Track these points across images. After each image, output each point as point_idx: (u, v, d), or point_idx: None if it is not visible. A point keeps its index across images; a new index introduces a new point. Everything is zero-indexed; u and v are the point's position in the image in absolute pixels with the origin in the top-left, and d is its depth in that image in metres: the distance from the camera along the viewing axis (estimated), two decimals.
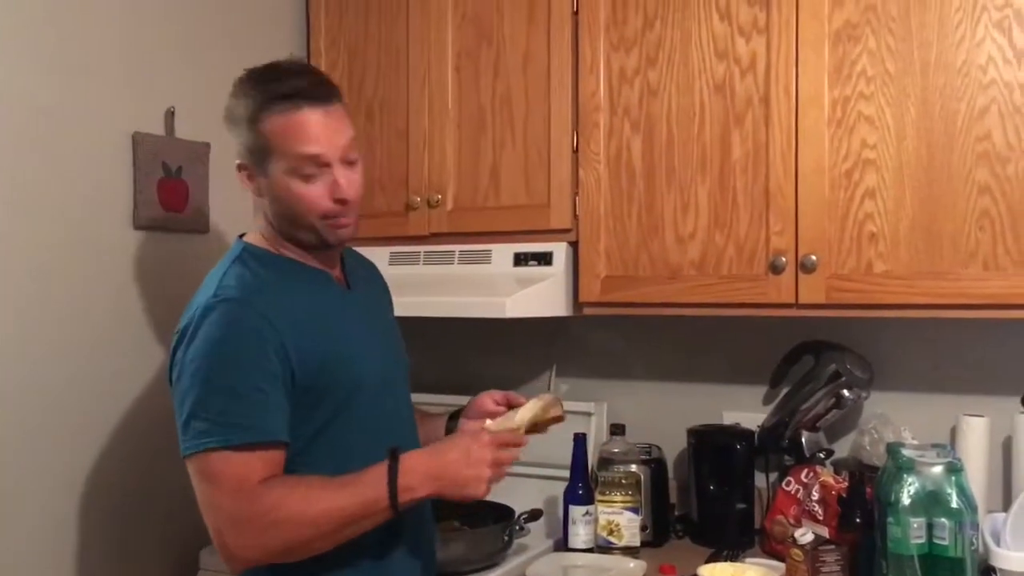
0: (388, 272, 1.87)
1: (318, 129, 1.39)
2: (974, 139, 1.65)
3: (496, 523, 1.85)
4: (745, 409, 2.15)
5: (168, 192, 1.96)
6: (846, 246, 1.76)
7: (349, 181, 1.41)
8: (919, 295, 1.69)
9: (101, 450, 1.86)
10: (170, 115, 1.97)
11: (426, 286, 2.08)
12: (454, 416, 1.65)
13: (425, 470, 1.34)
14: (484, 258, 2.12)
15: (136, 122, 1.91)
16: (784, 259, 1.79)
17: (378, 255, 2.08)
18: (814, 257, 1.76)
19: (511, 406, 1.60)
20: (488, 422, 1.53)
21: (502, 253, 2.10)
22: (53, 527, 1.78)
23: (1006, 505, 1.73)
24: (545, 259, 2.05)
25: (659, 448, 2.13)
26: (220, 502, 1.29)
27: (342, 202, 1.41)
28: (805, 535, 1.72)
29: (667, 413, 2.22)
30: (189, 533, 2.00)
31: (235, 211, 2.13)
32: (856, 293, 1.74)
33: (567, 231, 2.03)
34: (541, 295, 2.00)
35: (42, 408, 1.75)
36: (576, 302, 2.04)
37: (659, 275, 1.94)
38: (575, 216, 2.02)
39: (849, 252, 1.75)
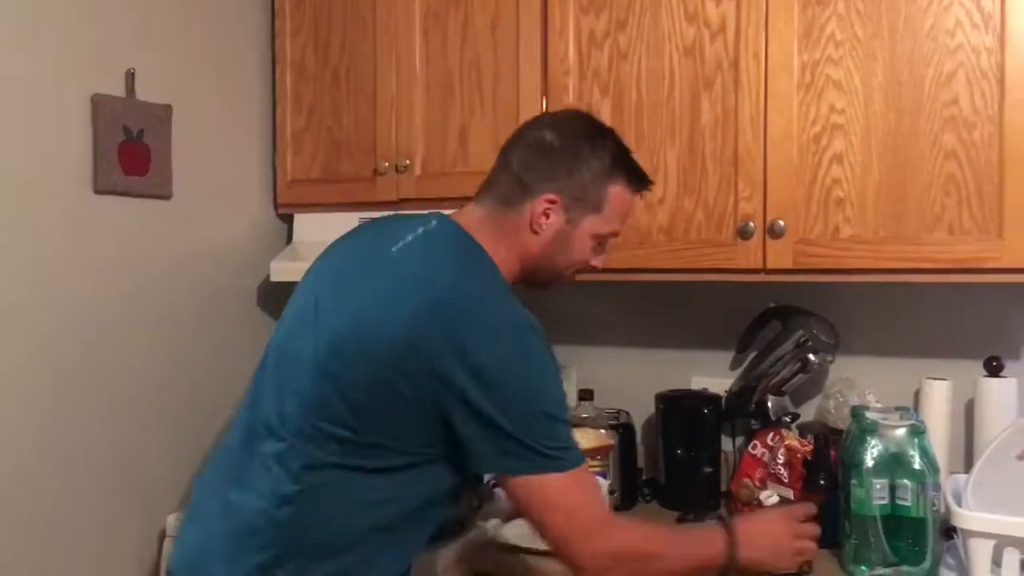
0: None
1: (632, 214, 1.55)
2: (941, 104, 1.66)
3: (467, 488, 1.85)
4: (713, 374, 2.17)
5: (129, 156, 1.92)
6: (813, 211, 1.76)
7: (604, 257, 1.54)
8: (885, 260, 1.71)
9: (63, 417, 1.83)
10: (130, 76, 1.93)
11: None
12: None
13: (755, 540, 1.41)
14: None
15: (95, 84, 1.87)
16: (752, 224, 1.80)
17: (346, 221, 2.06)
18: (782, 222, 1.77)
19: None
20: None
21: None
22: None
23: (968, 466, 1.76)
24: None
25: (628, 413, 2.14)
26: (587, 510, 1.30)
27: (592, 268, 1.53)
28: (770, 497, 1.73)
29: (636, 378, 2.22)
30: (156, 502, 1.99)
31: (198, 175, 2.10)
32: (823, 258, 1.75)
33: None
34: None
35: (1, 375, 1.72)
36: None
37: (628, 240, 1.93)
38: None
39: (816, 217, 1.76)
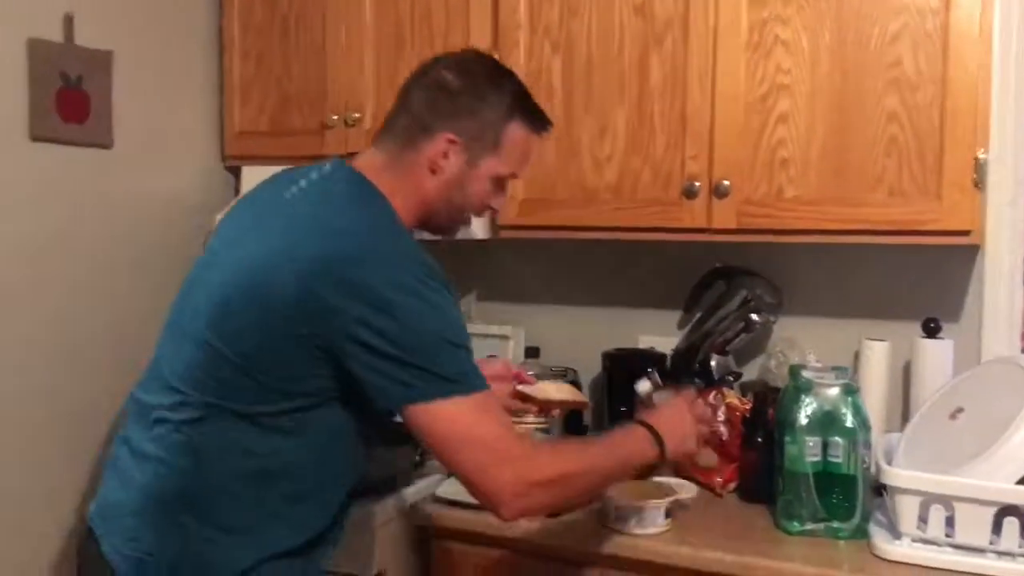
0: None
1: (533, 160, 1.52)
2: (885, 65, 1.66)
3: (408, 442, 1.85)
4: (660, 333, 2.18)
5: (68, 103, 1.87)
6: (758, 172, 1.77)
7: (505, 200, 1.53)
8: (826, 220, 1.72)
9: (13, 371, 1.80)
10: (68, 20, 1.87)
11: None
12: None
13: (672, 430, 1.44)
14: None
15: (31, 28, 1.81)
16: (698, 184, 1.80)
17: None
18: (727, 182, 1.77)
19: (520, 381, 1.69)
20: (520, 387, 1.66)
21: None
22: None
23: (904, 425, 1.79)
24: None
25: (575, 371, 2.16)
26: (497, 440, 1.25)
27: (491, 210, 1.51)
28: (641, 384, 1.80)
29: (584, 337, 2.23)
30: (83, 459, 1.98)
31: (141, 124, 2.06)
32: (766, 218, 1.76)
33: None
34: None
35: None
36: (494, 225, 2.02)
37: (576, 198, 1.93)
38: None
39: (761, 177, 1.77)
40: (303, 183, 1.38)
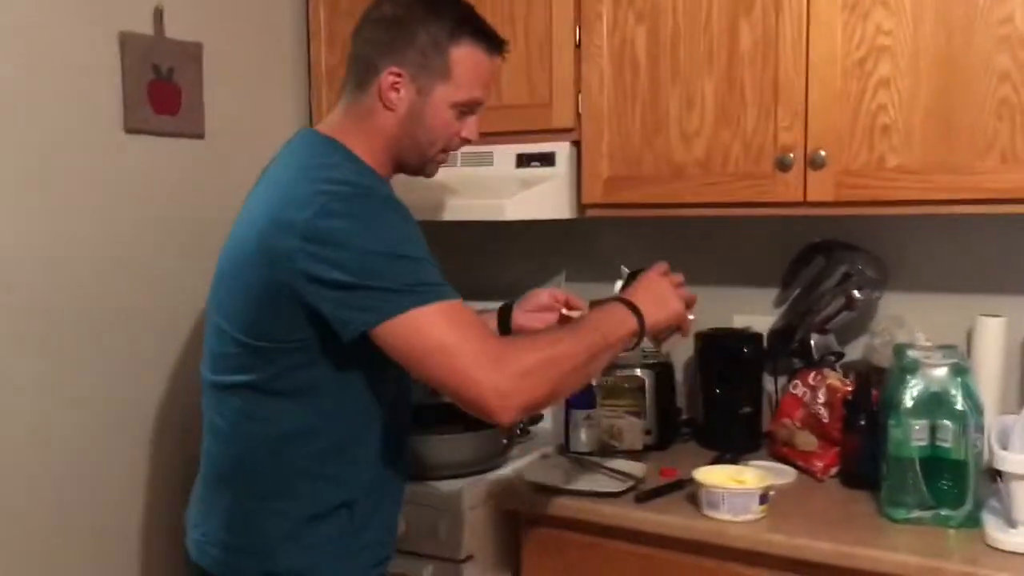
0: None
1: (492, 81, 1.49)
2: (995, 21, 1.54)
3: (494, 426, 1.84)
4: (756, 312, 2.10)
5: (160, 95, 1.91)
6: (857, 140, 1.67)
7: (477, 128, 1.49)
8: (933, 190, 1.61)
9: (94, 363, 1.85)
10: (159, 13, 1.91)
11: (428, 189, 2.03)
12: (505, 309, 1.67)
13: (648, 299, 1.43)
14: (486, 160, 2.06)
15: (123, 21, 1.85)
16: (792, 156, 1.71)
17: None
18: (823, 153, 1.68)
19: (569, 306, 1.66)
20: (566, 312, 1.64)
21: (504, 155, 2.04)
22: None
23: (1022, 407, 1.68)
24: (548, 160, 1.99)
25: (666, 353, 2.09)
26: (468, 343, 1.23)
27: (466, 142, 1.49)
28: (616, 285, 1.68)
29: None
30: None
31: (232, 115, 2.09)
32: (866, 189, 1.66)
33: (570, 130, 1.96)
34: (543, 197, 1.95)
35: (29, 317, 1.74)
36: (580, 204, 1.98)
37: (663, 174, 1.87)
38: (578, 115, 1.95)
39: (861, 146, 1.67)
40: (276, 158, 1.44)
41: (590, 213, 1.97)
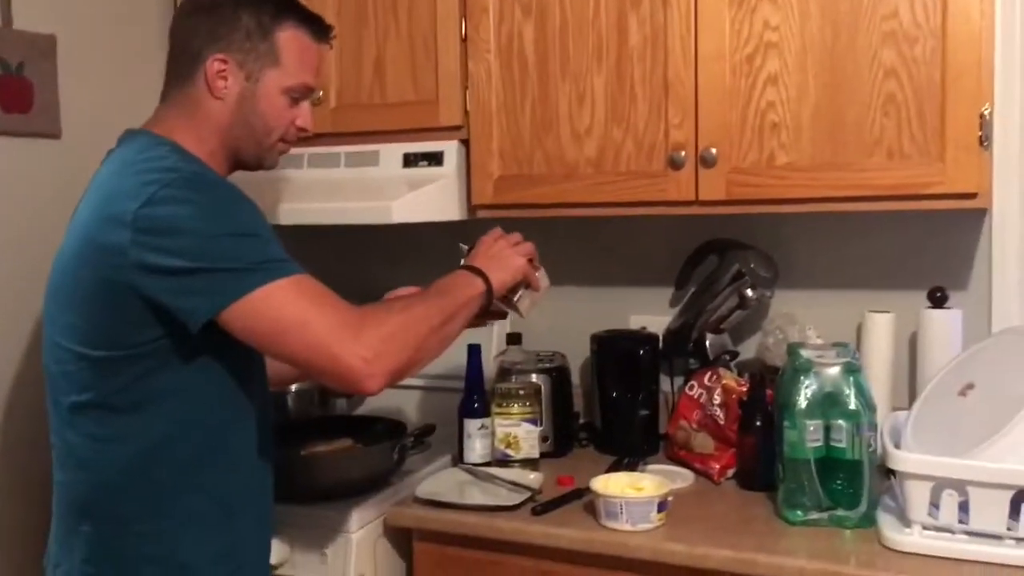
0: (272, 176, 1.71)
1: (320, 66, 1.46)
2: (880, 17, 1.54)
3: (384, 441, 1.75)
4: (652, 312, 2.07)
5: (8, 92, 1.76)
6: (747, 138, 1.65)
7: (311, 115, 1.46)
8: (822, 188, 1.60)
9: None
10: (6, 4, 1.75)
11: (310, 192, 1.93)
12: None
13: (489, 261, 1.46)
14: (372, 160, 1.96)
15: None
16: (683, 154, 1.68)
17: None
18: (714, 151, 1.65)
19: None
20: None
21: (391, 154, 1.95)
22: None
23: (912, 401, 1.68)
24: (436, 159, 1.91)
25: (563, 355, 2.04)
26: (325, 315, 1.19)
27: (302, 131, 1.45)
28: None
29: (573, 318, 2.12)
30: None
31: (91, 112, 1.94)
32: (757, 188, 1.64)
33: (458, 128, 1.89)
34: (432, 198, 1.87)
35: None
36: (470, 204, 1.91)
37: (555, 174, 1.81)
38: (466, 112, 1.87)
39: (751, 144, 1.65)
40: (103, 165, 1.35)
41: (480, 214, 1.90)
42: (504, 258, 1.47)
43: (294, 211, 1.85)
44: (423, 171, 1.91)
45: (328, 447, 1.78)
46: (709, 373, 1.84)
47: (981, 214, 1.77)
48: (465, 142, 1.89)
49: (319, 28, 1.43)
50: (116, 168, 1.29)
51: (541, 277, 1.57)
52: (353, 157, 1.97)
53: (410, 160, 1.93)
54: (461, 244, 1.60)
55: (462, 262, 1.53)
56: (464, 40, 1.85)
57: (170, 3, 2.13)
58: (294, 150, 1.98)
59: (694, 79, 1.67)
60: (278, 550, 1.56)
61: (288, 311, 1.18)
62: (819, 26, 1.58)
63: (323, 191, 1.92)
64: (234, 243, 1.19)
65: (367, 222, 1.86)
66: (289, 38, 1.38)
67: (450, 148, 1.89)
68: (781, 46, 1.61)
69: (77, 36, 1.90)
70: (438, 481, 1.72)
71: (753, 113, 1.64)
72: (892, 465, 1.40)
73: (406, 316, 1.28)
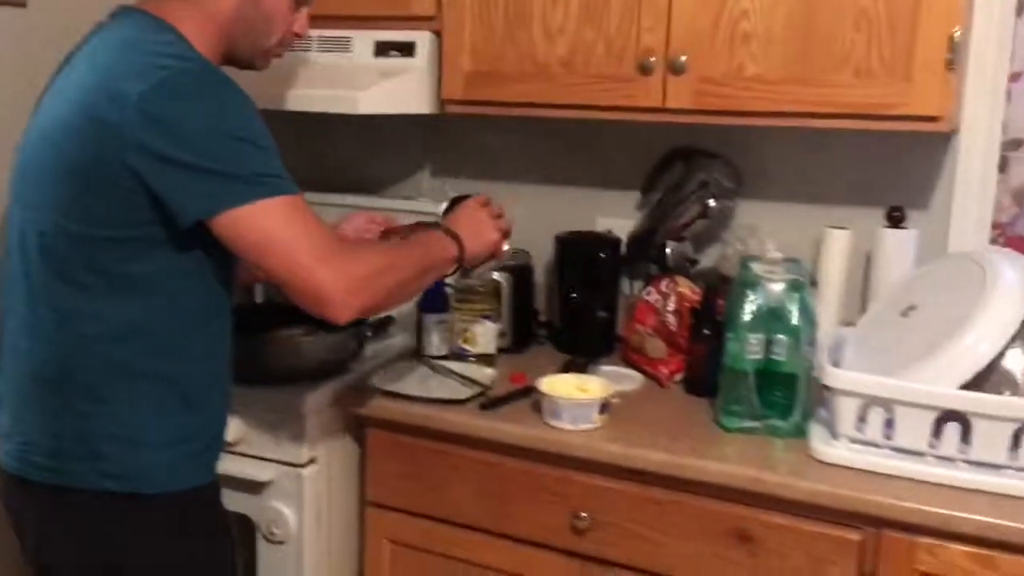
0: None
1: None
2: None
3: (344, 330, 1.79)
4: (619, 216, 2.08)
5: None
6: (719, 47, 1.63)
7: (307, 23, 1.47)
8: (788, 102, 1.59)
9: None
10: None
11: (281, 78, 1.90)
12: None
13: (466, 226, 1.48)
14: (344, 46, 1.94)
15: None
16: (653, 59, 1.66)
17: None
18: (684, 58, 1.63)
19: (389, 230, 1.76)
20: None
21: (363, 42, 1.92)
22: None
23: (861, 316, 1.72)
24: (407, 50, 1.88)
25: (527, 253, 2.06)
26: (312, 239, 1.23)
27: (297, 37, 1.46)
28: None
29: (541, 217, 2.13)
30: None
31: None
32: (724, 99, 1.63)
33: (431, 19, 1.86)
34: (401, 90, 1.86)
35: None
36: (440, 99, 1.89)
37: (526, 72, 1.79)
38: (439, 2, 1.84)
39: (721, 53, 1.63)
40: (91, 38, 1.33)
41: (450, 109, 1.89)
42: (483, 232, 1.50)
43: (261, 95, 1.81)
44: (394, 61, 1.89)
45: (289, 332, 1.82)
46: (666, 280, 1.87)
47: (947, 136, 1.76)
48: (438, 33, 1.86)
49: None
50: (115, 46, 1.26)
51: (506, 251, 1.59)
52: (326, 42, 1.95)
53: (382, 49, 1.91)
54: (449, 191, 1.62)
55: (443, 206, 1.59)
56: None
57: None
58: None
59: None
60: (235, 428, 1.62)
61: (278, 230, 1.21)
62: None
63: (293, 76, 1.90)
64: (239, 148, 1.20)
65: (334, 111, 1.85)
66: None
67: (422, 39, 1.87)
68: None
69: None
70: (395, 372, 1.77)
71: (726, 21, 1.61)
72: (824, 381, 1.45)
73: (386, 261, 1.33)
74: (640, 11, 1.67)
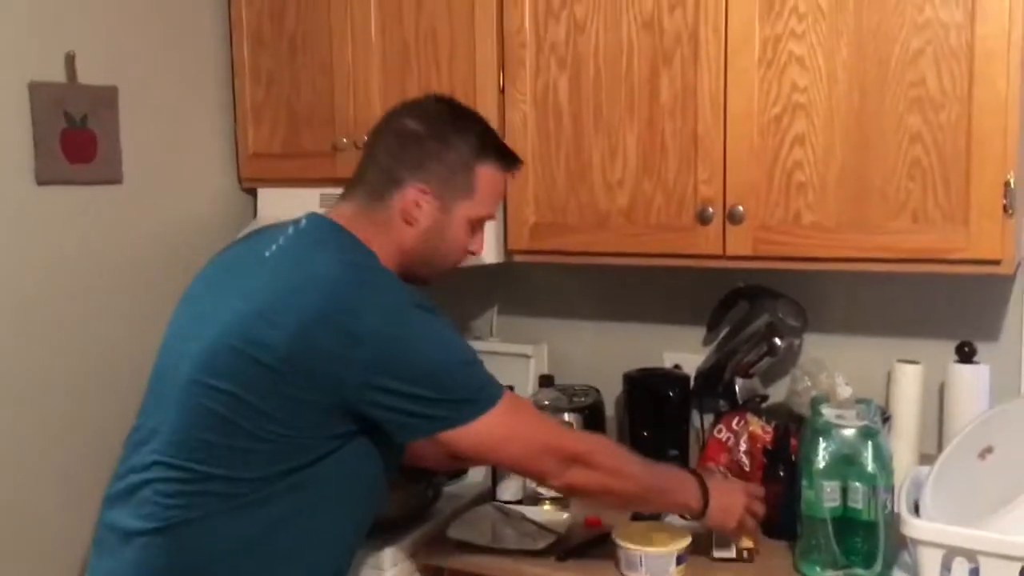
0: None
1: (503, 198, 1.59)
2: (907, 84, 1.56)
3: (421, 480, 1.83)
4: (686, 350, 2.11)
5: (73, 143, 1.86)
6: (774, 196, 1.68)
7: (483, 242, 1.54)
8: (846, 248, 1.63)
9: (13, 419, 1.81)
10: (70, 59, 1.86)
11: None
12: None
13: (721, 498, 1.53)
14: None
15: (33, 70, 1.80)
16: (711, 209, 1.72)
17: (307, 197, 2.02)
18: (741, 208, 1.69)
19: None
20: None
21: None
22: None
23: (940, 450, 1.70)
24: None
25: (597, 391, 2.10)
26: (539, 432, 1.39)
27: (472, 255, 1.54)
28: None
29: (608, 353, 2.18)
30: None
31: (153, 156, 2.04)
32: (783, 245, 1.67)
33: None
34: None
35: None
36: (506, 249, 1.97)
37: (588, 223, 1.86)
38: None
39: (777, 202, 1.68)
40: (281, 240, 1.38)
41: (517, 259, 1.97)
42: (731, 512, 1.53)
43: None
44: None
45: None
46: (737, 417, 1.88)
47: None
48: None
49: (512, 161, 1.50)
50: (316, 261, 1.30)
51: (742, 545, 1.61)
52: None
53: None
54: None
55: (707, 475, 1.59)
56: (502, 91, 1.91)
57: (226, 51, 2.23)
58: (339, 190, 2.10)
59: (723, 137, 1.70)
60: None
61: (501, 435, 1.33)
62: (846, 90, 1.60)
63: None
64: (456, 372, 1.31)
65: None
66: (487, 172, 1.45)
67: None
68: (809, 108, 1.63)
69: (139, 85, 1.99)
70: (470, 520, 1.80)
71: (780, 172, 1.67)
72: (906, 532, 1.43)
73: (627, 470, 1.46)
74: (696, 163, 1.73)
